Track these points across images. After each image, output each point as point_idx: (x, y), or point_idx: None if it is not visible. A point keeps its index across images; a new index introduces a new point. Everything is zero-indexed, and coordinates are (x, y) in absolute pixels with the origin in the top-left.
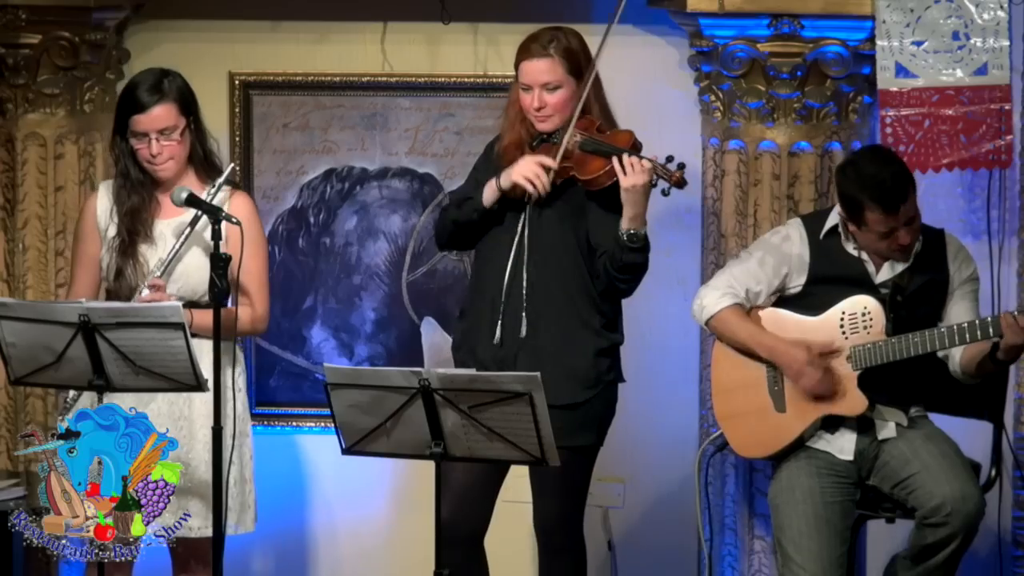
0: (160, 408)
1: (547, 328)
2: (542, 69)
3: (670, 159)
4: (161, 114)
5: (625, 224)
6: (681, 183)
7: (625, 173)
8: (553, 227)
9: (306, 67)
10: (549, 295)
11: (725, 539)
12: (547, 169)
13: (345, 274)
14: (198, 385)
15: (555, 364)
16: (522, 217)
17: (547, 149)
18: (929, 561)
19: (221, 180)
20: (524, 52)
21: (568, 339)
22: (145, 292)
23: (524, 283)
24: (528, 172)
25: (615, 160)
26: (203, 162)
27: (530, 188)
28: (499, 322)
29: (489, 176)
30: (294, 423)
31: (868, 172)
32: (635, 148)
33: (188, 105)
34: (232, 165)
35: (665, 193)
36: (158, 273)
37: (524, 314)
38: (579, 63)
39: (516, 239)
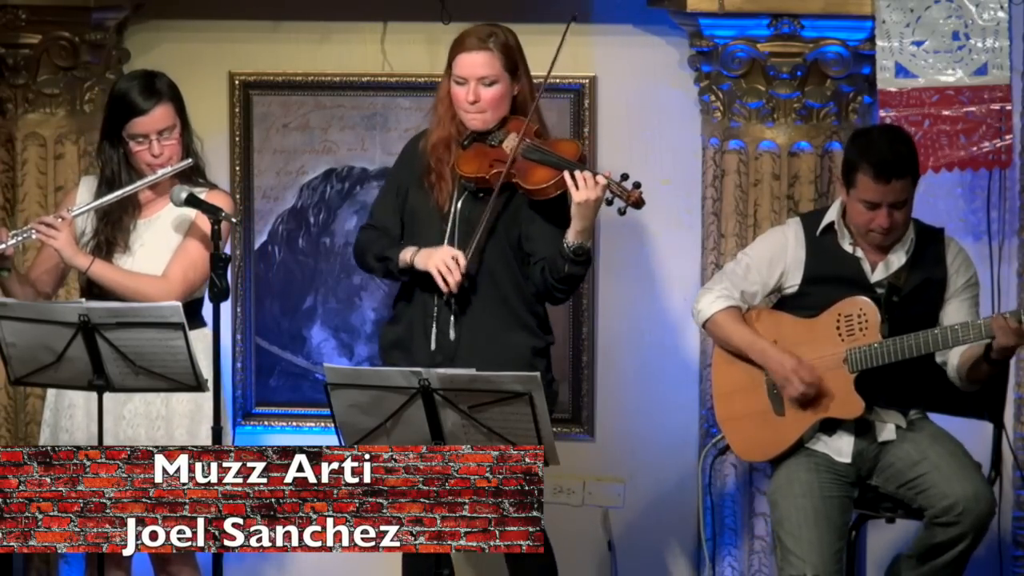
0: (137, 408)
1: (482, 330)
2: (480, 62)
3: (625, 177)
4: (161, 115)
5: (572, 237)
6: (639, 203)
7: (577, 187)
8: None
9: (306, 67)
10: (482, 298)
11: (725, 539)
12: (460, 264)
13: (345, 274)
14: (198, 385)
15: (492, 366)
16: (452, 220)
17: (481, 150)
18: (936, 560)
19: (166, 171)
20: (460, 45)
21: (503, 340)
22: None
23: None
24: (441, 266)
25: (567, 174)
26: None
27: (440, 282)
28: (434, 327)
29: (411, 179)
30: (294, 423)
31: (875, 140)
32: (582, 160)
33: (181, 105)
34: (188, 160)
35: (621, 212)
36: (74, 212)
37: (453, 318)
38: (515, 60)
39: (446, 243)
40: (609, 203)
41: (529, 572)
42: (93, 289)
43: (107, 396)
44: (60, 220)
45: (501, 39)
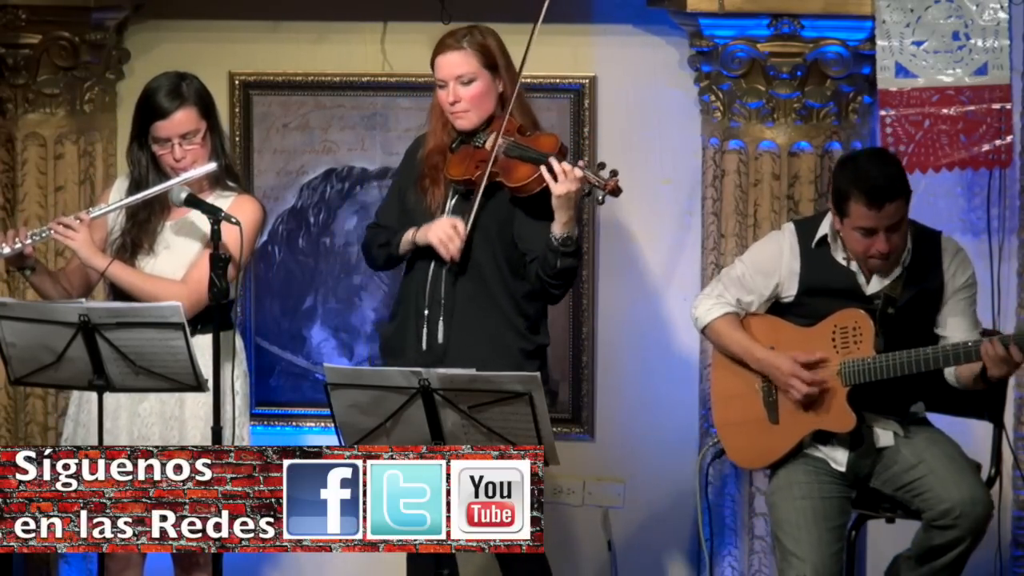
0: (152, 407)
1: (471, 332)
2: (455, 61)
3: (602, 166)
4: (182, 119)
5: (557, 230)
6: (616, 191)
7: (556, 180)
8: (476, 232)
9: (306, 67)
10: (471, 300)
11: (725, 539)
12: (460, 233)
13: (345, 274)
14: (198, 385)
15: (480, 368)
16: None
17: (467, 152)
18: (935, 562)
19: (186, 175)
20: (438, 48)
21: (493, 342)
22: (69, 219)
23: (443, 290)
24: (442, 235)
25: (544, 168)
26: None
27: (442, 251)
28: (424, 328)
29: (409, 182)
30: (294, 423)
31: (863, 166)
32: (562, 153)
33: (208, 108)
34: (211, 164)
35: (600, 201)
36: (93, 214)
37: (441, 320)
38: (494, 58)
39: None
40: (588, 194)
41: (522, 573)
42: (116, 288)
43: (123, 396)
44: (78, 221)
45: (477, 38)
